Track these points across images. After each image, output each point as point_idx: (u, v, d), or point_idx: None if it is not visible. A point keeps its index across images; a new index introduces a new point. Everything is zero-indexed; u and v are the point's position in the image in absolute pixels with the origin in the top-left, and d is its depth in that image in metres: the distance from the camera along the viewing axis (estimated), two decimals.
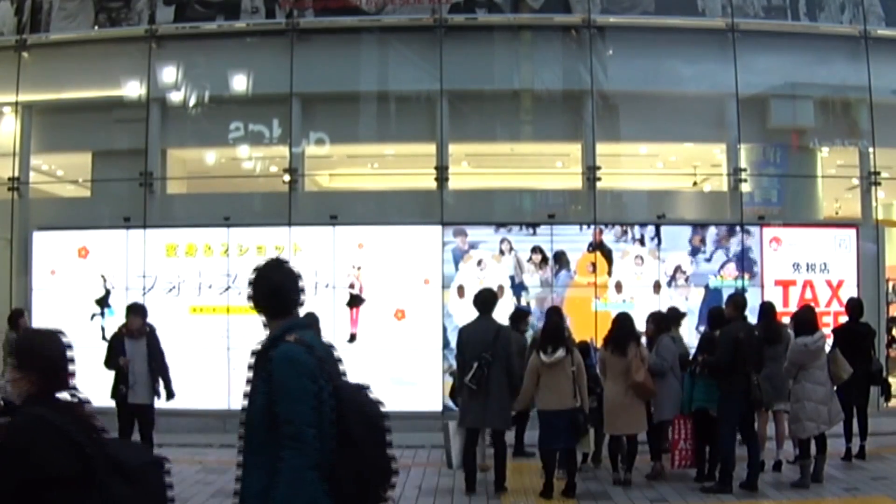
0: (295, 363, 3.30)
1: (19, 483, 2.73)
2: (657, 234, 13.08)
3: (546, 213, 13.50)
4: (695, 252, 13.09)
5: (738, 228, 13.21)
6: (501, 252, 13.05)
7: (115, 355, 9.13)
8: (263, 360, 3.40)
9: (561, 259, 13.05)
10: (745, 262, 13.04)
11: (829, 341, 9.36)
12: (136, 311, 9.42)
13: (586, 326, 12.20)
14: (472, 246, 13.06)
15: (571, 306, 12.66)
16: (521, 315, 10.27)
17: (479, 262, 13.00)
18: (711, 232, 13.21)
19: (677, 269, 13.02)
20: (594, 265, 12.97)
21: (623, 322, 8.94)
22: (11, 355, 3.04)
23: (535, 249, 13.05)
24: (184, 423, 11.38)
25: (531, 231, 13.15)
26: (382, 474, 3.39)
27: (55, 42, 14.58)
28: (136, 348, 9.15)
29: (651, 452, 9.13)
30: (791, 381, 8.58)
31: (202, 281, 13.12)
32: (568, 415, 8.14)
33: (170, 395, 9.41)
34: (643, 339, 9.09)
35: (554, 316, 9.49)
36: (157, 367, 9.18)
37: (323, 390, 3.30)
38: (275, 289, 3.55)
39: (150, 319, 9.58)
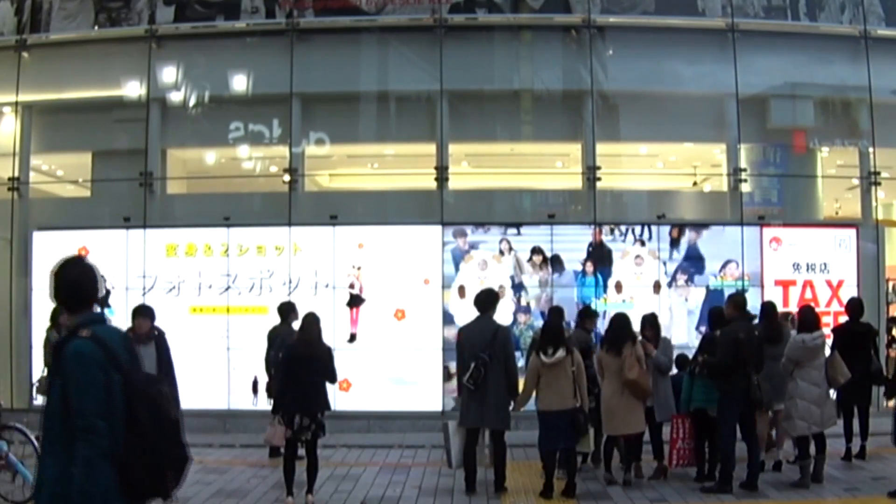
0: (84, 357, 3.51)
1: None
2: (657, 234, 13.08)
3: (546, 213, 13.50)
4: (695, 252, 13.08)
5: (738, 228, 13.22)
6: (501, 252, 13.05)
7: None
8: (59, 355, 3.59)
9: (558, 260, 13.03)
10: (744, 262, 13.03)
11: (829, 342, 9.36)
12: (144, 313, 8.64)
13: None
14: (473, 246, 13.06)
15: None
16: (589, 314, 10.18)
17: (480, 263, 13.00)
18: (712, 232, 13.22)
19: (678, 269, 13.02)
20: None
21: (619, 321, 8.95)
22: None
23: (536, 250, 13.04)
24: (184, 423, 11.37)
25: (531, 231, 13.16)
26: (173, 463, 3.63)
27: (55, 42, 14.57)
28: (144, 354, 7.96)
29: (655, 453, 9.12)
30: (788, 378, 8.59)
31: (202, 281, 13.12)
32: (568, 415, 8.15)
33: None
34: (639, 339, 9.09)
35: (554, 316, 9.51)
36: (165, 374, 8.06)
37: (113, 382, 3.52)
38: (71, 285, 3.76)
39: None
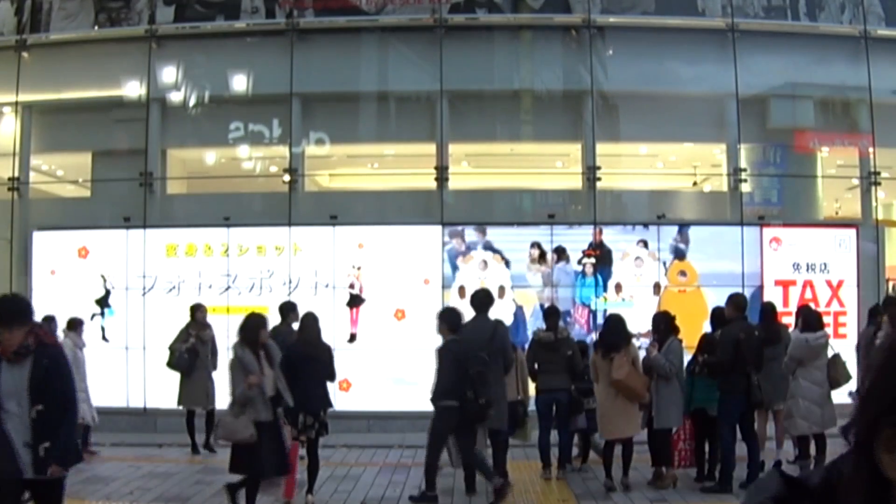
0: None
1: None
2: (657, 234, 13.07)
3: (546, 213, 13.49)
4: (694, 252, 13.07)
5: (738, 228, 13.21)
6: (498, 252, 13.04)
7: None
8: None
9: (561, 256, 13.03)
10: (744, 262, 13.02)
11: (832, 342, 9.34)
12: (10, 316, 4.96)
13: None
14: (471, 246, 13.05)
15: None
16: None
17: (480, 263, 12.99)
18: (712, 232, 13.20)
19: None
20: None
21: (611, 324, 8.94)
22: None
23: (534, 245, 13.02)
24: (184, 423, 11.35)
25: (531, 231, 13.16)
26: None
27: (55, 42, 14.57)
28: (11, 379, 4.90)
29: (653, 458, 8.88)
30: (790, 377, 8.59)
31: (202, 281, 13.11)
32: (510, 406, 8.61)
33: (60, 458, 4.95)
34: (642, 341, 9.09)
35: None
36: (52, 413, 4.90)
37: None
38: None
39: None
